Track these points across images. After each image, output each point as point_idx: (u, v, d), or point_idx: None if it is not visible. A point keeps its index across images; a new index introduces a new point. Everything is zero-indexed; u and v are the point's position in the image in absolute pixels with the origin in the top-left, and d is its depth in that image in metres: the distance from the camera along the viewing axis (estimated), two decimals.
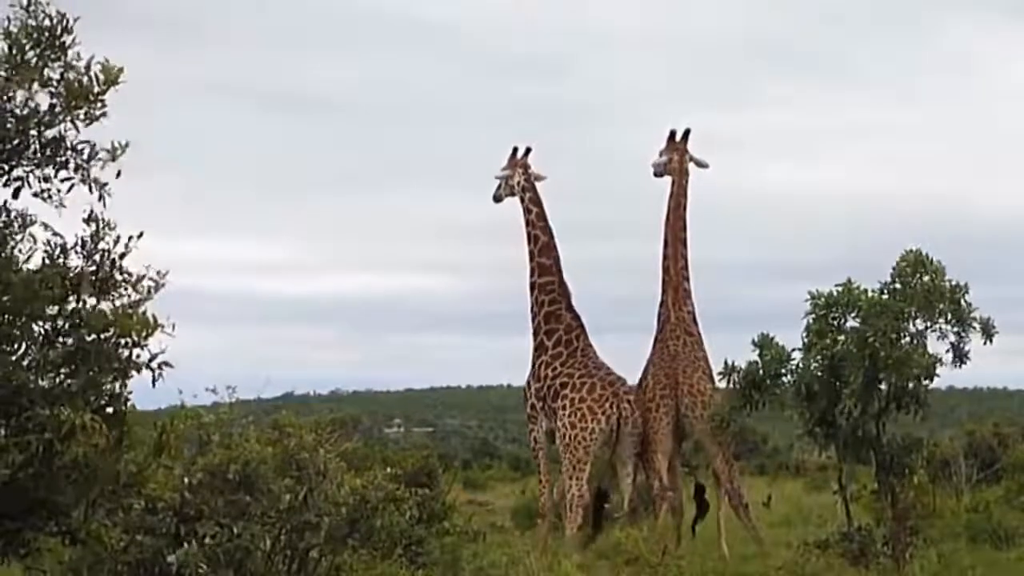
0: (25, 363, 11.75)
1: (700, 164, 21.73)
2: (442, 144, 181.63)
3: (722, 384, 19.88)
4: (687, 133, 21.65)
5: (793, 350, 18.28)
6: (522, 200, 21.63)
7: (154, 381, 12.14)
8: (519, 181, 21.60)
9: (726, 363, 19.07)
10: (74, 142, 11.93)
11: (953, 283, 17.75)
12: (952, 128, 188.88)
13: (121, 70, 11.91)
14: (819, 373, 18.02)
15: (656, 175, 21.82)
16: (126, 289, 12.15)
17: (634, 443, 20.39)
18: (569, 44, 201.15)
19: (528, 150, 21.90)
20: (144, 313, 12.11)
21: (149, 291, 12.21)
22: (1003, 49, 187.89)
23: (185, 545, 11.64)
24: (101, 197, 11.99)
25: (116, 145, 11.94)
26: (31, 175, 11.91)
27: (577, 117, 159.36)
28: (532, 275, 21.41)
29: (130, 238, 12.19)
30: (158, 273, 12.25)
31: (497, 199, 22.02)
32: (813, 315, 18.06)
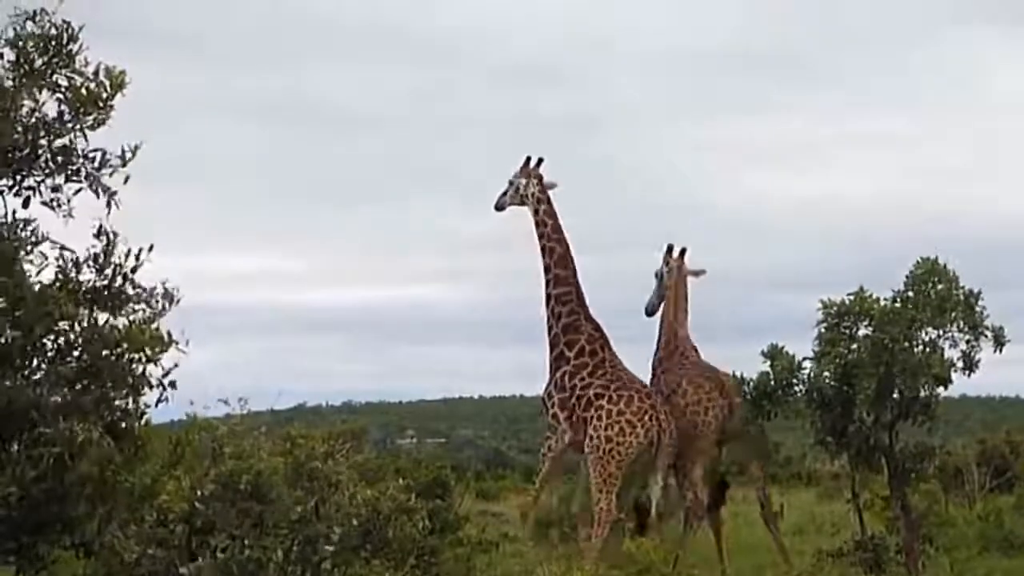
0: (37, 378, 11.79)
1: (697, 274, 21.76)
2: (450, 154, 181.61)
3: None
4: (684, 252, 21.59)
5: (804, 359, 18.27)
6: (536, 211, 21.32)
7: (158, 401, 12.21)
8: (533, 192, 21.29)
9: (734, 375, 19.00)
10: (84, 150, 12.00)
11: (967, 290, 17.73)
12: (955, 136, 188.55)
13: (123, 72, 11.98)
14: (832, 382, 18.01)
15: (648, 313, 21.69)
16: (138, 304, 12.19)
17: (671, 454, 20.11)
18: (565, 53, 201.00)
19: (540, 160, 21.72)
20: (157, 329, 12.15)
21: (163, 307, 12.26)
22: (1005, 58, 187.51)
23: (198, 558, 11.66)
24: (109, 204, 12.05)
25: (126, 149, 12.03)
26: (42, 185, 11.97)
27: (576, 127, 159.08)
28: (548, 286, 21.13)
29: (140, 250, 12.26)
30: (166, 288, 12.32)
31: (500, 207, 21.72)
32: (825, 323, 18.03)
